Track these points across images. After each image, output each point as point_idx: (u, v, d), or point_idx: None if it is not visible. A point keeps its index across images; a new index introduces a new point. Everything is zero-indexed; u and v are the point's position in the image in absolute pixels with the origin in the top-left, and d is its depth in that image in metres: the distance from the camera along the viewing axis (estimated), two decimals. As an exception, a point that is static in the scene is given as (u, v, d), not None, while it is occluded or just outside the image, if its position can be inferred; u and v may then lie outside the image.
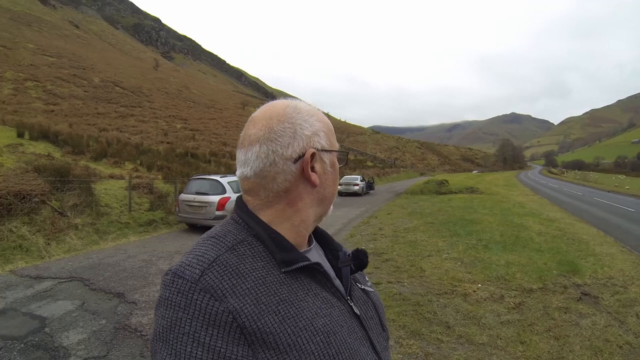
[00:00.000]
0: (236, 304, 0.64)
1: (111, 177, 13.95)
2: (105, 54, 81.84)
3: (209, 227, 10.84)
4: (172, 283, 0.67)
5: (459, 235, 9.41)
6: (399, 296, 5.23)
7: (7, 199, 8.66)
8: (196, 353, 0.61)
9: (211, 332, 0.62)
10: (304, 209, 0.81)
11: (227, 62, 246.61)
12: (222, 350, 0.62)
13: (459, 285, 5.64)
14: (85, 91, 40.81)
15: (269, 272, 0.72)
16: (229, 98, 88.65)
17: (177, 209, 11.36)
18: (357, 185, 24.95)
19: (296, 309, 0.70)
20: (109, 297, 5.38)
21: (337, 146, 0.89)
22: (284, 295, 0.70)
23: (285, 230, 0.79)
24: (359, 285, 0.92)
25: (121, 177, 13.86)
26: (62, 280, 6.09)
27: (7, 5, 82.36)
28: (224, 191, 10.86)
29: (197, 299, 0.64)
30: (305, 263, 0.75)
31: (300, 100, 0.87)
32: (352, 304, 0.83)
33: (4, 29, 59.47)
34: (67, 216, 9.62)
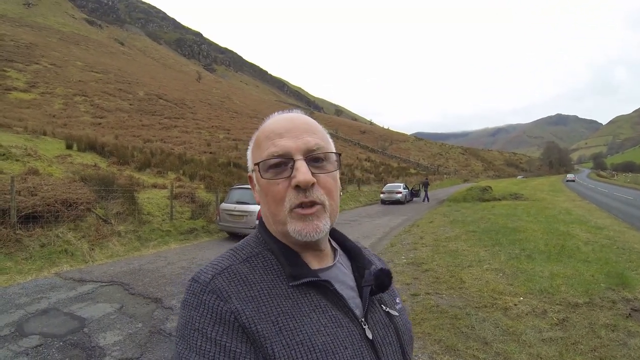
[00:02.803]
0: (239, 306, 0.71)
1: (154, 186, 14.40)
2: (149, 69, 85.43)
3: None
4: (190, 287, 0.75)
5: (501, 244, 9.06)
6: (436, 308, 5.06)
7: (54, 206, 9.09)
8: (205, 347, 0.68)
9: (217, 328, 0.69)
10: (269, 226, 0.85)
11: (269, 72, 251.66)
12: (227, 345, 0.68)
13: (499, 298, 5.38)
14: (130, 104, 42.67)
15: (277, 285, 0.76)
16: (271, 108, 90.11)
17: (217, 217, 11.59)
18: (400, 193, 24.75)
19: (296, 322, 0.72)
20: (146, 301, 5.52)
21: (259, 157, 0.82)
22: (287, 308, 0.74)
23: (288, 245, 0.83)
24: (383, 308, 0.89)
25: (164, 187, 14.28)
26: (103, 284, 6.31)
27: (57, 27, 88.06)
28: None
29: (206, 299, 0.71)
30: (312, 279, 0.77)
31: (283, 113, 0.90)
32: (365, 326, 0.81)
33: (54, 48, 63.38)
34: (111, 223, 9.99)
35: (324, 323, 0.74)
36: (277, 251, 0.81)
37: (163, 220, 11.72)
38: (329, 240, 0.92)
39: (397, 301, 0.96)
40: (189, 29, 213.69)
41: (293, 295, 0.76)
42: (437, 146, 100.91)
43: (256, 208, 10.60)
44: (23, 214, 8.34)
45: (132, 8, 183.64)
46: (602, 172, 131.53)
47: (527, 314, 4.77)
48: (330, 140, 0.91)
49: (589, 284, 5.87)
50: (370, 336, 0.80)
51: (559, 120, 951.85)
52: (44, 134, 18.72)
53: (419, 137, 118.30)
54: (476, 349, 3.89)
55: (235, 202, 11.18)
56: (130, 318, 4.85)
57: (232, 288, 0.73)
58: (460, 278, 6.42)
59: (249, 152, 0.90)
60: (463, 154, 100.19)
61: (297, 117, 0.87)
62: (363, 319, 0.81)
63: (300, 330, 0.71)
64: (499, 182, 54.75)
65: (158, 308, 5.25)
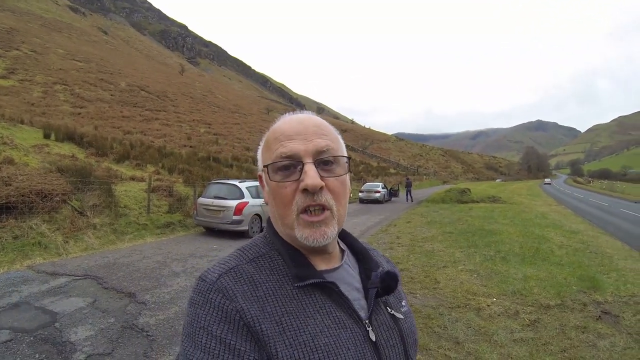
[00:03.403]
0: (244, 305, 0.72)
1: (132, 179, 14.25)
2: (132, 59, 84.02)
3: (226, 231, 10.63)
4: (197, 285, 0.77)
5: (477, 246, 9.24)
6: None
7: (29, 197, 8.92)
8: (210, 344, 0.69)
9: (222, 326, 0.70)
10: (277, 227, 0.87)
11: (253, 67, 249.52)
12: (231, 343, 0.69)
13: (472, 298, 5.50)
14: (111, 95, 41.90)
15: (282, 286, 0.78)
16: (253, 103, 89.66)
17: (195, 212, 11.53)
18: (379, 192, 24.88)
19: (300, 323, 0.73)
20: (120, 296, 5.48)
21: (269, 158, 0.83)
22: (291, 308, 0.75)
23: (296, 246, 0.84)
24: (389, 310, 0.89)
25: (142, 180, 14.13)
26: (76, 277, 6.24)
27: (39, 13, 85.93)
28: (242, 196, 10.96)
29: (212, 298, 0.73)
30: (317, 280, 0.78)
31: (292, 114, 0.89)
32: (369, 328, 0.81)
33: (36, 34, 61.78)
34: (87, 216, 9.86)
35: (327, 324, 0.75)
36: (284, 252, 0.82)
37: (140, 213, 11.61)
38: (338, 242, 0.93)
39: (403, 304, 0.96)
40: (174, 20, 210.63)
41: (298, 296, 0.77)
42: (418, 147, 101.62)
43: (233, 204, 10.57)
44: (-4, 204, 8.17)
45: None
46: (578, 179, 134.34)
47: (499, 315, 4.90)
48: (342, 142, 0.92)
49: (561, 286, 6.07)
50: (373, 338, 0.80)
51: (539, 126, 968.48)
52: (22, 122, 18.28)
53: (400, 138, 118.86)
54: (448, 348, 3.97)
55: (213, 197, 11.11)
56: (103, 313, 4.81)
57: (238, 287, 0.74)
58: (434, 278, 6.53)
59: (259, 153, 0.90)
60: (443, 155, 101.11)
61: (308, 118, 0.86)
62: (367, 321, 0.82)
63: (304, 331, 0.72)
64: (478, 184, 55.50)
65: (131, 303, 5.22)
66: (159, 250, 8.66)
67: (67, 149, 15.69)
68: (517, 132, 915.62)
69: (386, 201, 25.85)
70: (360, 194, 25.36)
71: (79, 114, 30.96)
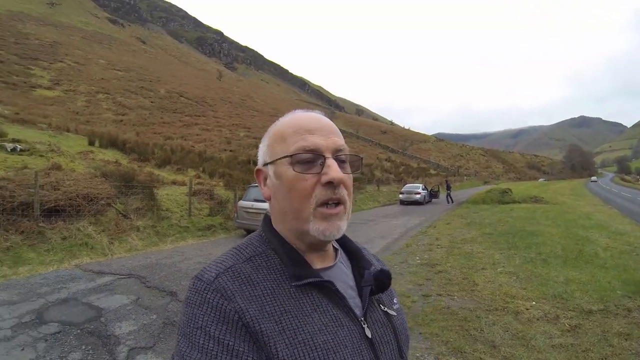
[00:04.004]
0: (243, 305, 0.72)
1: (174, 183, 14.67)
2: (171, 67, 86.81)
3: None
4: (193, 285, 0.77)
5: (517, 247, 8.98)
6: (446, 310, 5.07)
7: (76, 200, 9.37)
8: (207, 345, 0.69)
9: (220, 327, 0.70)
10: (276, 224, 0.88)
11: (290, 71, 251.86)
12: (230, 343, 0.69)
13: (511, 301, 5.33)
14: (151, 102, 43.52)
15: (280, 285, 0.78)
16: (292, 107, 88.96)
17: (235, 215, 11.79)
18: (419, 194, 24.78)
19: (299, 322, 0.74)
20: (162, 294, 5.69)
21: (286, 151, 0.82)
22: (289, 307, 0.75)
23: (294, 244, 0.85)
24: (382, 307, 0.91)
25: (183, 184, 14.52)
26: (121, 276, 6.52)
27: (80, 26, 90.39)
28: None
29: (210, 298, 0.72)
30: (315, 279, 0.79)
31: (299, 111, 0.90)
32: (365, 325, 0.83)
33: (78, 47, 65.17)
34: (130, 218, 10.25)
35: (325, 322, 0.76)
36: (281, 251, 0.82)
37: (181, 216, 11.95)
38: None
39: (395, 301, 0.98)
40: (210, 27, 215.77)
41: (296, 295, 0.77)
42: (458, 147, 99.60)
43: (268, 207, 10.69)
44: (46, 207, 8.64)
45: (153, 7, 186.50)
46: (626, 177, 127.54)
47: (538, 319, 4.72)
48: None
49: (605, 290, 5.76)
50: (369, 335, 0.82)
51: (583, 122, 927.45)
52: (67, 130, 19.28)
53: (439, 138, 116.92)
54: (483, 352, 3.88)
55: (252, 200, 11.32)
56: (146, 310, 5.02)
57: (236, 287, 0.74)
58: (473, 280, 6.40)
59: (264, 146, 0.89)
60: (484, 155, 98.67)
61: (322, 117, 0.88)
62: (363, 319, 0.83)
63: (303, 330, 0.73)
64: (520, 184, 53.84)
65: (172, 301, 5.40)
66: (199, 251, 8.90)
67: (110, 155, 16.36)
68: (559, 130, 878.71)
69: (427, 203, 25.66)
70: (400, 196, 25.29)
71: (121, 121, 32.33)
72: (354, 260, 0.95)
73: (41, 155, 12.48)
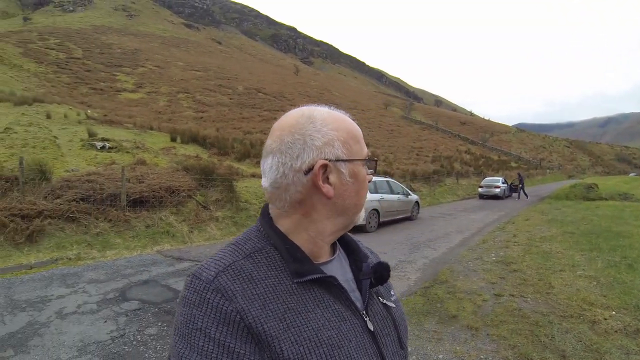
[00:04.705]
0: (244, 305, 0.70)
1: (252, 176, 15.13)
2: (247, 64, 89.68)
3: None
4: (190, 283, 0.74)
5: (600, 249, 8.20)
6: (517, 312, 4.78)
7: (159, 192, 9.98)
8: (207, 347, 0.67)
9: (221, 328, 0.68)
10: (319, 220, 0.83)
11: (367, 63, 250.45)
12: (230, 346, 0.67)
13: (588, 309, 4.86)
14: (230, 99, 45.42)
15: (281, 281, 0.76)
16: (370, 99, 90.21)
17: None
18: (498, 187, 24.01)
19: (303, 319, 0.73)
20: (237, 280, 5.91)
21: (361, 153, 0.86)
22: (292, 304, 0.74)
23: (302, 240, 0.82)
24: (381, 299, 0.92)
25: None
26: (199, 262, 6.77)
27: (158, 33, 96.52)
28: None
29: (209, 298, 0.70)
30: (317, 276, 0.78)
31: (320, 106, 0.88)
32: (367, 319, 0.84)
33: (157, 52, 69.74)
34: (210, 209, 10.70)
35: (328, 318, 0.76)
36: (281, 246, 0.81)
37: (259, 207, 12.28)
38: None
39: (392, 293, 0.99)
40: (283, 24, 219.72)
41: (298, 291, 0.76)
42: (540, 138, 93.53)
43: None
44: (132, 198, 9.31)
45: (226, 9, 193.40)
46: None
47: (616, 331, 4.25)
48: None
49: None
50: (371, 328, 0.83)
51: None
52: (151, 128, 20.63)
53: (520, 129, 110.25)
54: (552, 361, 3.62)
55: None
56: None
57: (237, 286, 0.72)
58: (549, 282, 6.00)
59: (335, 141, 0.82)
60: (568, 146, 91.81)
61: None
62: (364, 312, 0.84)
63: (307, 326, 0.73)
64: (608, 179, 49.24)
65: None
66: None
67: (191, 150, 17.26)
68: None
69: (507, 197, 24.80)
70: (479, 190, 24.73)
71: (201, 118, 34.09)
72: (350, 253, 0.95)
73: (127, 152, 13.45)
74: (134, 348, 3.72)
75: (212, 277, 0.72)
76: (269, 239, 0.82)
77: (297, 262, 0.78)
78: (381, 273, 0.89)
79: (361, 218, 0.90)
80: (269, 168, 0.81)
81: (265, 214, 0.87)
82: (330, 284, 0.80)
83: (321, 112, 0.85)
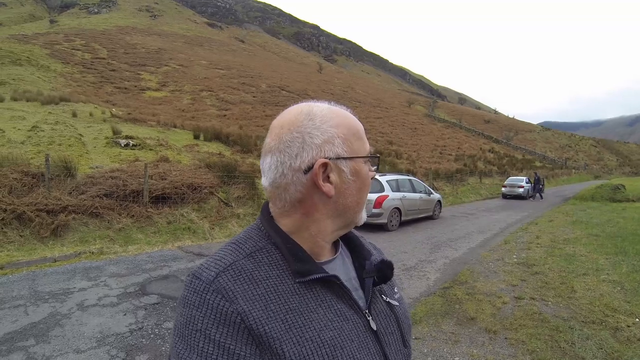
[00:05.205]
0: (245, 306, 0.70)
1: (275, 173, 15.22)
2: (270, 62, 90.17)
3: (364, 224, 11.31)
4: (190, 283, 0.74)
5: (626, 253, 7.93)
6: (538, 316, 4.68)
7: (181, 189, 10.13)
8: (207, 349, 0.67)
9: (221, 330, 0.68)
10: (321, 219, 0.83)
11: (390, 61, 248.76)
12: (231, 347, 0.67)
13: (611, 315, 4.72)
14: (253, 97, 45.78)
15: (283, 281, 0.76)
16: (394, 97, 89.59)
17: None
18: (522, 187, 23.64)
19: (305, 319, 0.73)
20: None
21: (363, 151, 0.85)
22: (294, 305, 0.74)
23: (303, 239, 0.81)
24: (384, 298, 0.93)
25: (283, 173, 14.99)
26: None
27: (181, 32, 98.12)
28: (382, 189, 11.26)
29: (209, 299, 0.70)
30: (320, 275, 0.78)
31: (320, 102, 0.88)
32: (369, 317, 0.84)
33: (181, 51, 70.73)
34: (231, 206, 10.79)
35: (330, 317, 0.76)
36: (282, 245, 0.80)
37: (282, 204, 12.36)
38: None
39: (396, 290, 0.99)
40: (306, 22, 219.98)
41: (299, 291, 0.76)
42: (566, 137, 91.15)
43: (373, 197, 10.80)
44: (154, 195, 9.50)
45: (249, 8, 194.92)
46: None
47: (639, 339, 4.12)
48: None
49: None
50: (374, 327, 0.83)
51: None
52: (174, 126, 20.94)
53: (546, 127, 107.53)
54: (571, 369, 3.51)
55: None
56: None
57: (238, 287, 0.72)
58: (571, 286, 5.86)
59: (335, 138, 0.81)
60: (595, 146, 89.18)
61: None
62: (367, 311, 0.84)
63: (309, 327, 0.73)
64: (636, 180, 47.50)
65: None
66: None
67: (214, 147, 17.44)
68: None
69: (530, 197, 24.31)
70: (503, 189, 24.40)
71: (225, 115, 34.45)
72: (353, 250, 0.95)
73: (151, 149, 13.69)
74: (151, 341, 3.80)
75: (212, 278, 0.72)
76: (269, 237, 0.82)
77: (299, 262, 0.78)
78: (384, 272, 0.90)
79: (363, 218, 0.89)
80: (268, 167, 0.81)
81: (265, 212, 0.87)
82: (332, 284, 0.80)
83: (321, 108, 0.84)
